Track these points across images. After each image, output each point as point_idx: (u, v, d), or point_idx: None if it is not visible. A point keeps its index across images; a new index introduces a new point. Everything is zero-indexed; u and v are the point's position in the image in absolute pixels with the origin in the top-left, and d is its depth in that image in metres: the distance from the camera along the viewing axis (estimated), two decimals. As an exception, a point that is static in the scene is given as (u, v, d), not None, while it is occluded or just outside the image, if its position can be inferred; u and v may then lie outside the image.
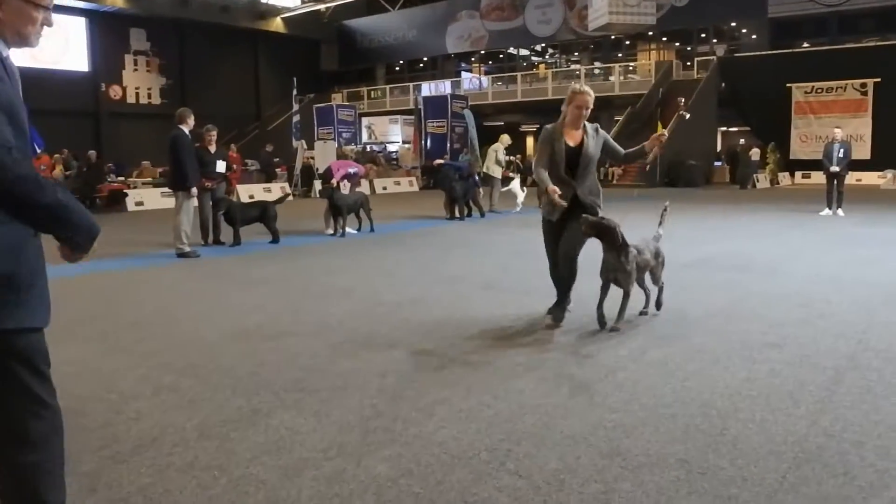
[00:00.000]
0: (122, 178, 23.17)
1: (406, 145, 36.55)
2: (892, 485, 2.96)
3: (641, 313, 5.98)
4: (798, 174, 31.47)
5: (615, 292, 5.57)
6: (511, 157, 20.26)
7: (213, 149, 10.98)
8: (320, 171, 15.54)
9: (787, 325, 5.73)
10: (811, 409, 3.85)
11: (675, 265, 8.66)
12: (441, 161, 17.17)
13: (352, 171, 12.88)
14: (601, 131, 5.74)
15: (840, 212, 15.45)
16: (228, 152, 16.62)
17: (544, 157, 5.61)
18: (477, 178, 16.45)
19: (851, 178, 19.33)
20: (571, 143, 5.56)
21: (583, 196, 5.60)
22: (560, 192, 5.34)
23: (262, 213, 11.44)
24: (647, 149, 5.82)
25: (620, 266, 5.41)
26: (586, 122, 5.67)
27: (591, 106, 5.57)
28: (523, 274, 8.18)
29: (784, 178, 30.94)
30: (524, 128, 41.03)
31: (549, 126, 5.71)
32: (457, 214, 15.41)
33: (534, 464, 3.18)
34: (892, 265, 8.71)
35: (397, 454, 3.29)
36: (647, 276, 6.01)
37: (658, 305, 6.06)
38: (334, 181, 12.57)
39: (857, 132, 29.84)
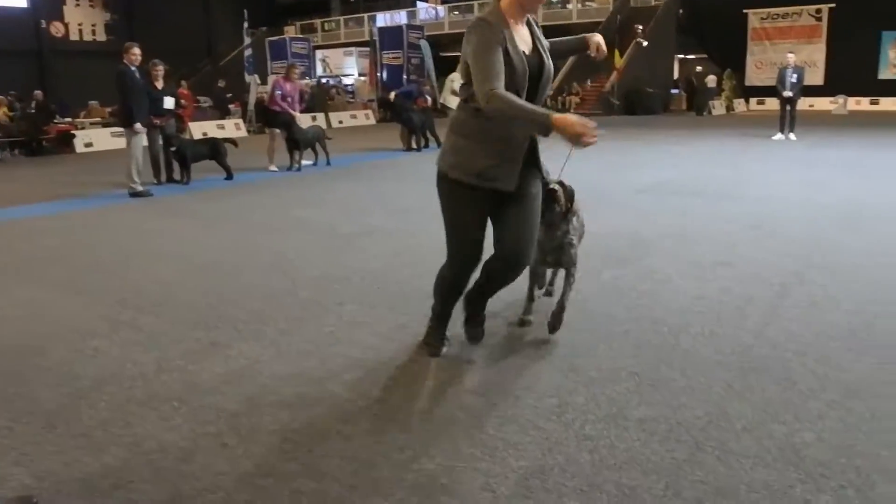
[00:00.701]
0: (69, 119, 22.44)
1: (362, 78, 35.92)
2: (829, 388, 3.11)
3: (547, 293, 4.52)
4: (753, 100, 31.78)
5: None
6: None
7: (160, 85, 10.64)
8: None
9: (739, 244, 5.87)
10: (758, 322, 3.98)
11: (631, 190, 8.80)
12: (393, 94, 16.88)
13: (278, 92, 12.45)
14: (535, 26, 3.37)
15: (792, 136, 15.67)
16: (179, 89, 16.14)
17: (502, 71, 3.03)
18: (424, 91, 16.32)
19: (804, 103, 19.55)
20: (526, 51, 3.20)
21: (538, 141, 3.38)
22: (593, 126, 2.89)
23: (213, 149, 11.23)
24: (586, 42, 3.66)
25: (568, 241, 3.78)
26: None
27: None
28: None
29: (740, 105, 31.22)
30: (482, 58, 40.48)
31: (483, 17, 3.15)
32: (414, 146, 15.29)
33: (491, 382, 3.25)
34: (839, 187, 8.92)
35: (357, 378, 3.34)
36: None
37: (552, 293, 4.50)
38: (294, 112, 12.29)
39: (811, 58, 30.11)
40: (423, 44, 28.58)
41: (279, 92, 12.24)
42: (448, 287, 3.58)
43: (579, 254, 3.86)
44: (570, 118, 2.87)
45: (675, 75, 36.28)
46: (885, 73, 30.22)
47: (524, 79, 3.14)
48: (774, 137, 15.84)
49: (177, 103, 11.30)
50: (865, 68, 29.78)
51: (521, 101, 3.00)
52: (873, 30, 29.61)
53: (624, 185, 9.25)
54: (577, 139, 2.84)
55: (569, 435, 2.75)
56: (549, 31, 3.52)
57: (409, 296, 4.66)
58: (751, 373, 3.31)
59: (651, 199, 8.28)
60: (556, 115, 2.89)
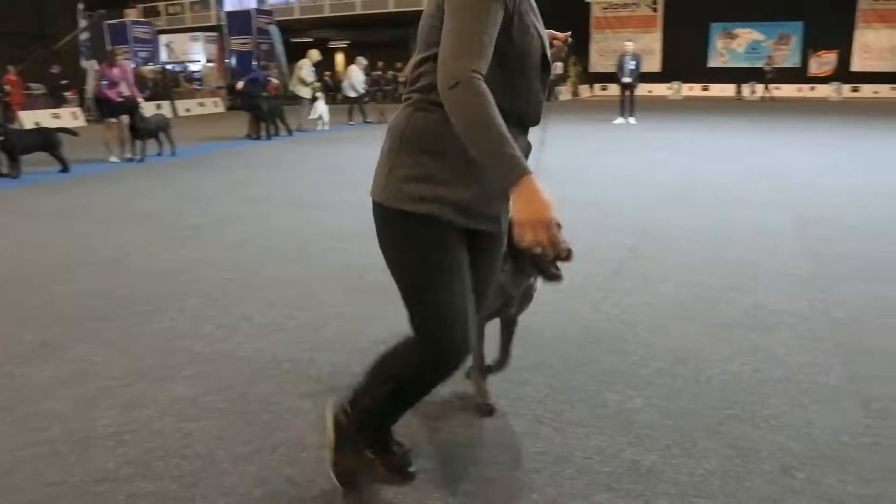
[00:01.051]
0: None
1: (210, 64, 34.69)
2: (658, 357, 3.33)
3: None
4: (597, 86, 33.28)
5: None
6: (321, 75, 19.80)
7: (-20, 70, 9.85)
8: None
9: (579, 224, 6.13)
10: (595, 298, 4.19)
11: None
12: (241, 83, 16.41)
13: (104, 82, 11.84)
14: None
15: (632, 120, 16.54)
16: (5, 75, 15.00)
17: (491, 47, 1.79)
18: (271, 76, 16.09)
19: (643, 89, 20.67)
20: (538, 21, 2.14)
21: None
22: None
23: (46, 140, 10.49)
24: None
25: (532, 287, 2.78)
26: None
27: None
28: (328, 189, 8.24)
29: (584, 90, 32.59)
30: (333, 44, 40.04)
31: None
32: (262, 133, 14.92)
33: (337, 370, 3.25)
34: (674, 167, 9.52)
35: (199, 373, 3.24)
36: None
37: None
38: (135, 96, 11.71)
39: (649, 47, 31.87)
40: (273, 29, 27.96)
41: (105, 81, 11.63)
42: (416, 385, 2.21)
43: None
44: (546, 196, 1.71)
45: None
46: (713, 62, 32.55)
47: (539, 63, 2.04)
48: (615, 121, 16.66)
49: (1, 90, 10.49)
50: (697, 57, 31.98)
51: (501, 121, 1.72)
52: (703, 22, 31.80)
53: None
54: (533, 231, 1.72)
55: (411, 419, 2.78)
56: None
57: (253, 285, 4.57)
58: (587, 345, 3.48)
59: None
60: (530, 182, 1.71)
